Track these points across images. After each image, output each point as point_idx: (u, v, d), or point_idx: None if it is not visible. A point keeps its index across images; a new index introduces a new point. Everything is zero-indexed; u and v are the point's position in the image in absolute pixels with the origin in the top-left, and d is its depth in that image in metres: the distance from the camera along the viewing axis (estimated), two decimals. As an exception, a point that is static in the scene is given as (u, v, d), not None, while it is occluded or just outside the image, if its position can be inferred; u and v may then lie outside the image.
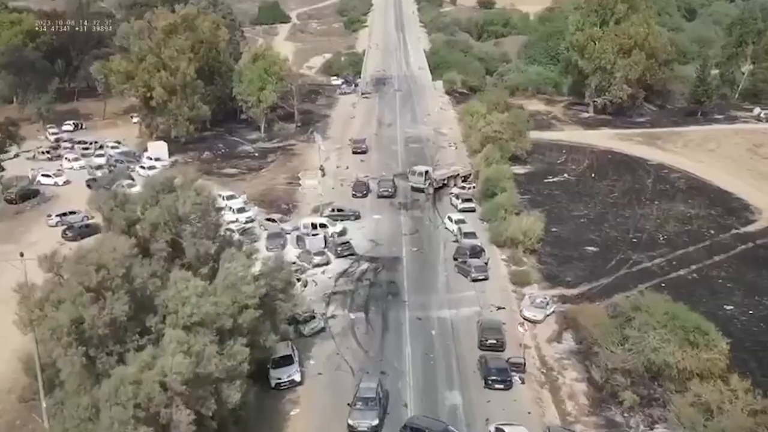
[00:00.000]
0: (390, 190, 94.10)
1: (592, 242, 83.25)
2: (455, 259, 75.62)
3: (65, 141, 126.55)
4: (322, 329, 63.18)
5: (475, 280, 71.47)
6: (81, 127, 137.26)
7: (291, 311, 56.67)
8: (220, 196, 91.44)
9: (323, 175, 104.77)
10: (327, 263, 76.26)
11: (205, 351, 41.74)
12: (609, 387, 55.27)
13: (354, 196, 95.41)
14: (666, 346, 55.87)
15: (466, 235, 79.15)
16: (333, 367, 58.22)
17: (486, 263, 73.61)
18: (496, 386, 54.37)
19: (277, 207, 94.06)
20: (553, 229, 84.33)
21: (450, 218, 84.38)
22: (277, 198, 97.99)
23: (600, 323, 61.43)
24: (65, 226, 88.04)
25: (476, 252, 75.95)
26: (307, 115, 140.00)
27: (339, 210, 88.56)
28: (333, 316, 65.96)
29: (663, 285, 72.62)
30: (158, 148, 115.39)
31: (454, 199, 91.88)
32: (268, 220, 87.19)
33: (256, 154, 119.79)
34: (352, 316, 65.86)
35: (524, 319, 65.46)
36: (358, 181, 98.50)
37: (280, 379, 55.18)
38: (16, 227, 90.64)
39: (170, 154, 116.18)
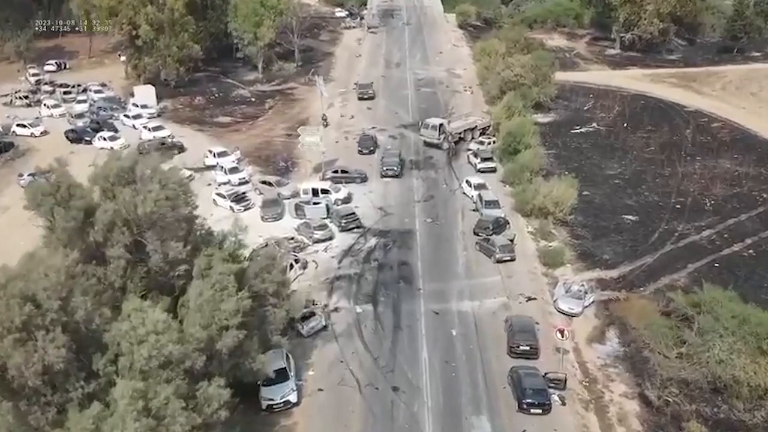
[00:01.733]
0: (395, 168, 78.16)
1: (630, 209, 72.48)
2: (476, 233, 65.14)
3: (46, 83, 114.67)
4: (324, 328, 53.12)
5: (499, 261, 60.98)
6: (64, 67, 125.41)
7: (285, 319, 46.24)
8: (210, 152, 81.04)
9: (326, 126, 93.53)
10: (330, 238, 65.91)
11: (168, 407, 31.65)
12: (668, 409, 45.32)
13: (360, 152, 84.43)
14: (735, 358, 45.98)
15: (488, 204, 68.38)
16: (336, 379, 48.41)
17: (512, 240, 63.01)
18: (533, 410, 44.50)
19: (275, 166, 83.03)
20: (585, 193, 73.50)
21: (468, 182, 73.47)
22: (275, 153, 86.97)
23: (651, 323, 51.42)
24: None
25: (500, 225, 65.43)
26: (308, 54, 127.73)
27: (343, 171, 77.65)
28: (336, 309, 55.87)
29: (716, 264, 62.37)
30: (145, 93, 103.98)
31: (472, 157, 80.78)
32: (264, 183, 76.48)
33: (253, 100, 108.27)
34: (359, 309, 55.79)
35: (559, 311, 55.36)
36: (364, 135, 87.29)
37: (272, 400, 45.45)
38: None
39: (159, 99, 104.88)
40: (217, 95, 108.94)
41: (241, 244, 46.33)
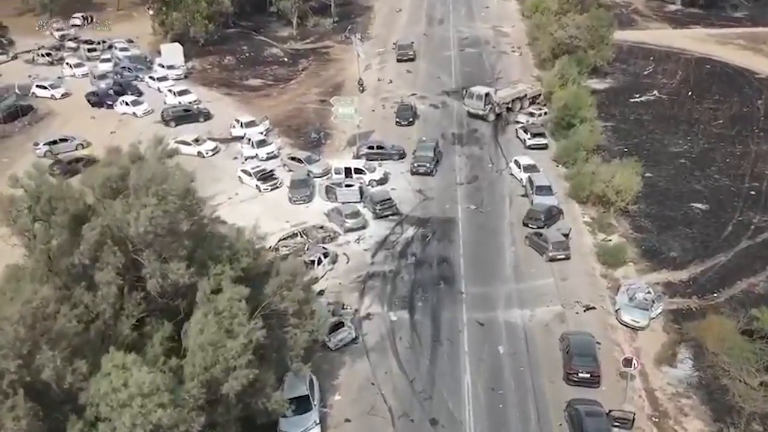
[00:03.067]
0: (428, 165, 66.11)
1: (699, 195, 64.05)
2: (526, 225, 57.49)
3: (70, 39, 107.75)
4: (354, 340, 46.34)
5: (552, 260, 53.40)
6: (91, 21, 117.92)
7: (308, 342, 39.41)
8: (237, 122, 73.93)
9: (362, 91, 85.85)
10: (363, 227, 58.70)
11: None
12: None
13: (398, 123, 76.58)
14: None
15: (539, 189, 60.51)
16: (366, 406, 41.83)
17: (567, 235, 55.26)
18: (594, 458, 37.48)
19: (306, 138, 75.68)
20: (647, 175, 64.89)
21: (517, 163, 65.45)
22: (306, 122, 79.65)
23: (731, 345, 43.80)
24: (53, 161, 71.01)
25: (553, 216, 57.74)
26: (345, 8, 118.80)
27: (379, 147, 69.99)
28: (368, 316, 48.97)
29: (800, 267, 54.08)
30: (172, 53, 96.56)
31: (521, 132, 72.46)
32: (293, 159, 69.25)
33: (286, 59, 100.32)
34: (393, 317, 48.89)
35: (622, 324, 47.88)
36: (402, 104, 79.25)
37: (292, 436, 39.00)
38: (-2, 156, 74.20)
39: (187, 58, 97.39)
40: (248, 54, 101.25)
41: (258, 253, 39.30)
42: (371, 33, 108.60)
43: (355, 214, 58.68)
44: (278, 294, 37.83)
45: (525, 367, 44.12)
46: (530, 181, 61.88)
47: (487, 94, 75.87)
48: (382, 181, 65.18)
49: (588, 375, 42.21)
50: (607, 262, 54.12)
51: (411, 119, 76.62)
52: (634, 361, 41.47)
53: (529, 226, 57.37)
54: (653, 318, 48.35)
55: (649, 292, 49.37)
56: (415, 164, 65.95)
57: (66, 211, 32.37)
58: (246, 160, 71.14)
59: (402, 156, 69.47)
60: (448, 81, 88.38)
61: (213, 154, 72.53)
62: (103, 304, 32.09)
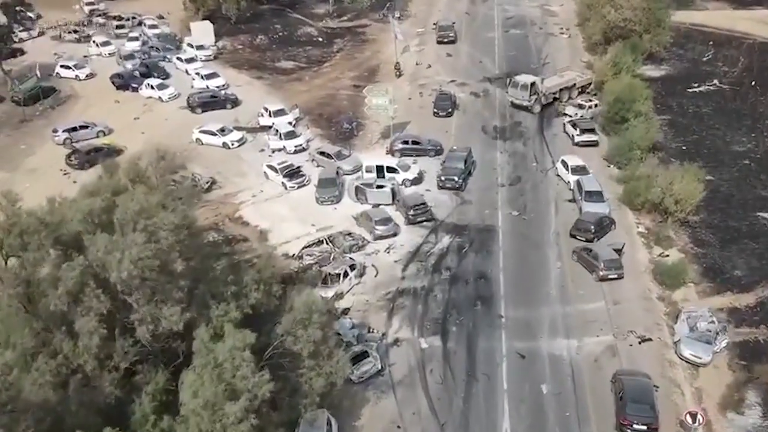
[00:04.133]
0: (457, 179, 58.23)
1: (766, 204, 57.17)
2: (573, 236, 51.56)
3: (99, 14, 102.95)
4: (379, 372, 41.17)
5: (603, 280, 47.47)
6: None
7: (326, 387, 34.30)
8: (266, 110, 68.61)
9: (399, 76, 79.96)
10: (394, 234, 53.25)
11: None
12: None
13: (436, 114, 70.62)
14: None
15: (589, 195, 54.37)
16: (389, 454, 36.60)
17: (620, 251, 49.19)
18: None
19: (338, 128, 70.14)
20: (708, 178, 58.13)
21: (565, 163, 59.23)
22: (339, 111, 74.01)
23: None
24: (70, 150, 66.60)
25: (603, 227, 51.74)
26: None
27: (414, 142, 64.19)
28: (396, 342, 43.70)
29: None
30: (203, 31, 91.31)
31: (569, 126, 66.06)
32: (322, 154, 63.83)
33: (320, 39, 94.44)
34: (424, 344, 43.61)
35: (681, 359, 42.01)
36: (441, 93, 73.15)
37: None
38: (16, 143, 70.17)
39: (218, 37, 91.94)
40: (281, 34, 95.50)
41: (271, 285, 34.19)
42: (411, 11, 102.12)
43: (386, 221, 53.24)
44: (292, 333, 32.67)
45: (571, 412, 38.64)
46: (579, 185, 55.76)
47: (532, 84, 69.45)
48: (417, 180, 59.59)
49: (644, 427, 36.50)
50: (664, 283, 48.12)
51: (450, 110, 70.60)
52: (699, 416, 35.72)
53: (577, 237, 51.51)
54: (717, 352, 42.30)
55: (712, 322, 43.44)
56: (443, 177, 58.35)
57: (42, 247, 27.35)
58: (273, 153, 66.08)
59: (439, 152, 63.73)
60: (490, 66, 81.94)
61: (239, 146, 67.61)
62: (84, 354, 27.17)
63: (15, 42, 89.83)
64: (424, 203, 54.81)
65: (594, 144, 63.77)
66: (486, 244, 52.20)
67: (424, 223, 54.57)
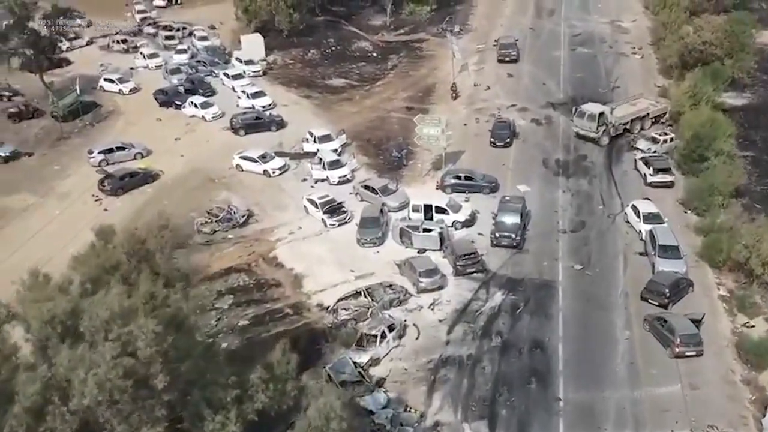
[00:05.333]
0: (514, 236, 50.61)
1: None
2: (644, 299, 44.64)
3: (150, 23, 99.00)
4: (415, 468, 35.21)
5: (679, 356, 40.49)
6: (176, 2, 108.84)
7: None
8: (311, 135, 63.09)
9: (455, 98, 73.78)
10: (440, 287, 47.05)
11: None
12: None
13: (493, 144, 64.19)
14: None
15: (664, 250, 47.32)
16: None
17: (699, 322, 42.11)
18: None
19: (385, 157, 64.33)
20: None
21: (636, 209, 52.15)
22: (388, 136, 68.19)
23: None
24: (103, 175, 62.20)
25: (680, 290, 44.70)
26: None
27: (467, 178, 57.85)
28: (437, 426, 37.61)
29: None
30: (253, 45, 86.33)
31: (641, 164, 58.89)
32: (366, 188, 58.03)
33: (375, 54, 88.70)
34: (468, 430, 37.20)
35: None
36: (499, 120, 66.61)
37: None
38: (51, 162, 66.27)
39: (269, 51, 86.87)
40: (334, 48, 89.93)
41: (285, 382, 28.46)
42: (471, 24, 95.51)
43: (432, 272, 47.18)
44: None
45: None
46: (652, 236, 48.72)
47: (601, 114, 62.44)
48: (469, 222, 53.30)
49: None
50: (749, 362, 40.90)
51: (508, 139, 64.07)
52: None
53: (649, 301, 44.56)
54: (816, 460, 35.06)
55: (809, 420, 36.05)
56: (497, 234, 51.03)
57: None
58: (315, 183, 60.62)
59: (494, 189, 57.46)
60: (554, 89, 74.94)
61: (280, 174, 62.34)
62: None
63: (62, 51, 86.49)
64: (475, 252, 48.53)
65: (669, 185, 56.54)
66: (543, 304, 45.68)
67: (475, 274, 48.08)
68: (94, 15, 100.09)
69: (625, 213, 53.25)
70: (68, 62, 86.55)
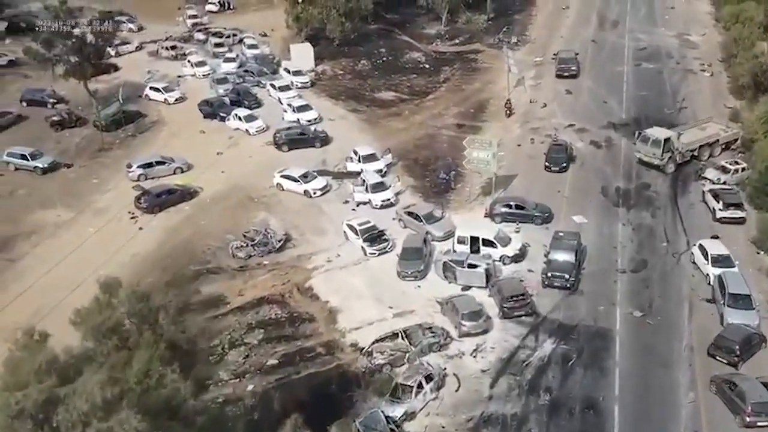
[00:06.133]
0: (568, 277, 45.69)
1: None
2: (711, 355, 40.07)
3: (200, 29, 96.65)
4: None
5: (749, 427, 35.66)
6: (229, 8, 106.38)
7: None
8: (355, 153, 59.56)
9: (509, 115, 69.35)
10: (484, 331, 42.89)
11: None
12: None
13: (547, 168, 59.64)
14: None
15: (734, 300, 42.40)
16: None
17: (777, 388, 37.18)
18: None
19: (432, 179, 60.41)
20: None
21: (703, 249, 47.14)
22: (437, 156, 64.26)
23: None
24: (140, 192, 59.60)
25: (751, 347, 39.84)
26: (503, 2, 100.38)
27: (518, 207, 53.45)
28: (474, 497, 33.50)
29: None
30: (302, 54, 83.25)
31: (710, 197, 53.65)
32: (410, 214, 54.11)
33: (427, 66, 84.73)
34: (509, 504, 33.12)
35: None
36: (555, 143, 62.09)
37: None
38: (89, 175, 64.05)
39: (318, 60, 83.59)
40: (385, 59, 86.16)
41: None
42: (529, 35, 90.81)
43: (476, 315, 43.11)
44: None
45: None
46: (721, 282, 43.76)
47: (666, 140, 57.40)
48: (518, 258, 48.96)
49: None
50: (831, 436, 35.70)
51: (565, 164, 59.50)
52: None
53: (717, 358, 39.66)
54: None
55: None
56: (548, 273, 46.22)
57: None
58: (357, 206, 57.01)
59: (547, 220, 53.08)
60: (616, 108, 69.95)
61: (322, 194, 58.91)
62: None
63: (110, 57, 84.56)
64: (523, 294, 44.22)
65: (740, 221, 51.33)
66: (598, 356, 41.23)
67: (523, 317, 43.81)
68: (147, 19, 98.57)
69: (692, 253, 48.27)
70: (116, 68, 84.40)
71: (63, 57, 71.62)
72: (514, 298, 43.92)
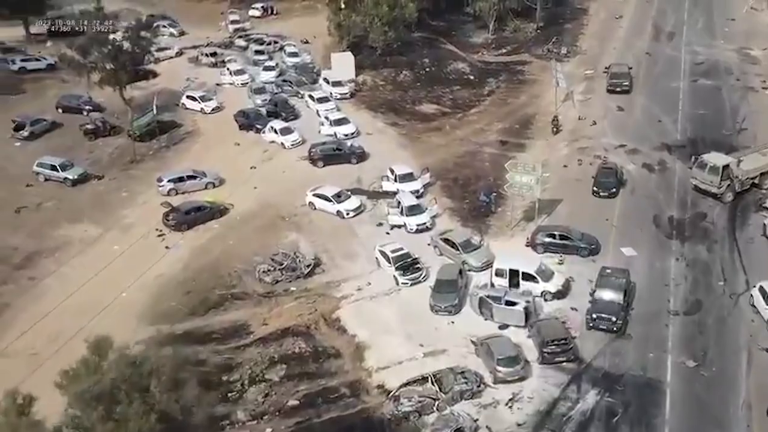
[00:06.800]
0: (615, 319, 41.71)
1: None
2: (772, 416, 35.76)
3: (241, 36, 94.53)
4: None
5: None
6: (272, 13, 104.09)
7: None
8: (392, 172, 56.57)
9: (556, 132, 65.54)
10: (521, 378, 39.37)
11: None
12: None
13: (595, 193, 55.58)
14: None
15: (800, 353, 37.93)
16: None
17: None
18: None
19: (472, 201, 56.94)
20: None
21: (763, 292, 42.88)
22: (477, 175, 60.85)
23: None
24: (167, 208, 57.33)
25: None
26: (554, 10, 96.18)
27: (563, 237, 49.60)
28: None
29: None
30: (343, 64, 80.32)
31: (772, 231, 49.18)
32: (446, 241, 50.70)
33: (471, 77, 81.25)
34: None
35: None
36: (604, 166, 58.15)
37: None
38: (120, 188, 62.13)
39: (360, 70, 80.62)
40: (428, 69, 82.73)
41: None
42: (580, 46, 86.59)
43: (513, 361, 39.64)
44: None
45: None
46: (784, 332, 39.43)
47: (725, 167, 52.96)
48: (560, 294, 45.27)
49: None
50: None
51: (614, 189, 55.44)
52: None
53: (778, 421, 35.53)
54: None
55: None
56: (594, 314, 42.17)
57: None
58: (392, 229, 53.95)
59: (594, 252, 49.18)
60: (671, 128, 65.63)
61: (355, 215, 55.94)
62: None
63: (149, 63, 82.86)
64: (566, 339, 40.50)
65: (806, 259, 46.76)
66: (646, 411, 37.46)
67: (564, 363, 40.15)
68: (189, 22, 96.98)
69: (751, 295, 44.01)
70: (154, 75, 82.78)
71: (98, 64, 69.84)
72: (555, 343, 40.28)
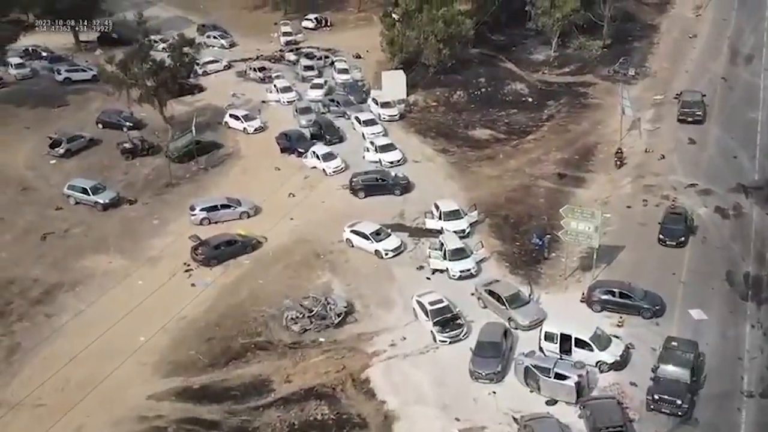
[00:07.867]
0: (680, 402, 36.12)
1: None
2: None
3: (292, 49, 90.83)
4: None
5: None
6: (326, 25, 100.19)
7: None
8: (437, 208, 51.76)
9: (619, 166, 59.68)
10: (568, 469, 34.18)
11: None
12: None
13: (661, 241, 49.67)
14: None
15: None
16: None
17: None
18: None
19: (523, 244, 51.68)
20: None
21: None
22: (530, 213, 55.58)
23: None
24: (196, 242, 53.52)
25: None
26: (623, 26, 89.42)
27: (623, 295, 43.92)
28: None
29: None
30: (394, 82, 75.74)
31: None
32: (491, 294, 45.59)
33: (530, 99, 75.74)
34: None
35: None
36: (672, 211, 52.09)
37: None
38: (151, 214, 58.86)
39: (411, 89, 75.88)
40: (484, 90, 77.41)
41: None
42: (650, 68, 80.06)
43: (561, 443, 34.25)
44: None
45: None
46: None
47: (810, 215, 46.47)
48: (619, 365, 39.69)
49: None
50: None
51: (683, 237, 49.39)
52: None
53: None
54: None
55: None
56: (655, 396, 36.53)
57: None
58: (433, 273, 49.09)
59: (657, 314, 43.37)
60: (747, 166, 59.14)
61: (394, 256, 51.26)
62: None
63: (199, 75, 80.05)
64: (622, 426, 34.94)
65: None
66: None
67: (619, 456, 34.76)
68: (241, 33, 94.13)
69: (842, 377, 37.66)
70: (200, 89, 79.85)
71: (138, 81, 66.99)
72: (609, 430, 34.74)
